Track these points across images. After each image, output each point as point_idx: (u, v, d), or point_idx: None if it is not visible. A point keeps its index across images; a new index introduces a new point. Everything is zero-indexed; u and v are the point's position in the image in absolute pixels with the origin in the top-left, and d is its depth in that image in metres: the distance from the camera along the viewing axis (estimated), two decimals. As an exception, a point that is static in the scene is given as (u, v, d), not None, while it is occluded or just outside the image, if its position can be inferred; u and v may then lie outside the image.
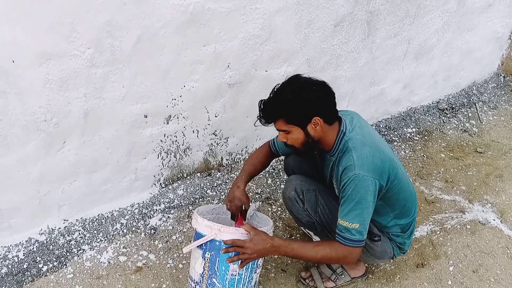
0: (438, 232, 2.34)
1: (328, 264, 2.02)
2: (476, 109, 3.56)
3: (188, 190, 2.51)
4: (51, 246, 2.11)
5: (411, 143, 3.13)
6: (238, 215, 1.88)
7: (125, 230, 2.25)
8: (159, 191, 2.49)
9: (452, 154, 3.03)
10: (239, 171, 2.70)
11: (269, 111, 1.61)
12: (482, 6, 3.39)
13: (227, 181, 2.61)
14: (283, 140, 1.69)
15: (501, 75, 4.01)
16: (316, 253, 1.60)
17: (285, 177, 2.69)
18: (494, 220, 2.44)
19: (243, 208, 1.88)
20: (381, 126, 3.24)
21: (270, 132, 2.79)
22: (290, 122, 1.60)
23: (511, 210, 2.51)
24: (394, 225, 1.81)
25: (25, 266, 2.02)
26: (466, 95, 3.69)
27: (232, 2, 2.11)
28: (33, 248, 2.09)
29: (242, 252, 1.58)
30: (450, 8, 3.16)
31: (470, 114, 3.50)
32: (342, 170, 1.60)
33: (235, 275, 1.64)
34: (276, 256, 2.15)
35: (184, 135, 2.42)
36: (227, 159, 2.72)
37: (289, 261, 2.13)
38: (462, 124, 3.38)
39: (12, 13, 1.61)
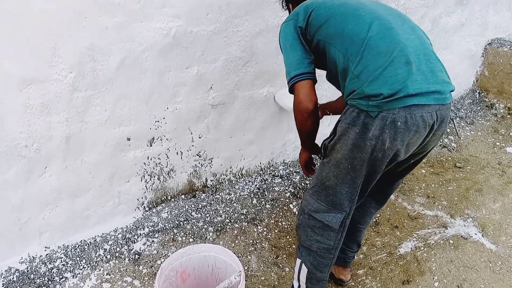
0: (422, 248, 2.37)
1: None
2: (454, 125, 3.65)
3: (173, 212, 2.48)
4: (32, 275, 2.05)
5: (392, 159, 3.17)
6: None
7: (108, 256, 2.20)
8: (143, 215, 2.46)
9: (432, 170, 3.09)
10: (226, 190, 2.70)
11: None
12: (455, 26, 3.52)
13: (212, 202, 2.60)
14: None
15: (476, 91, 4.13)
16: (297, 127, 1.68)
17: (269, 196, 2.69)
18: (475, 234, 2.48)
19: None
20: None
21: (253, 152, 2.80)
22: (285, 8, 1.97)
23: (491, 224, 2.56)
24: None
25: (4, 297, 1.95)
26: (443, 111, 3.79)
27: (214, 25, 2.14)
28: (13, 278, 2.03)
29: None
30: (425, 28, 3.26)
31: (448, 130, 3.59)
32: None
33: None
34: (263, 278, 2.14)
35: (167, 157, 2.40)
36: (211, 180, 2.71)
37: (276, 283, 2.12)
38: (441, 140, 3.45)
39: (-8, 39, 1.60)
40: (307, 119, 1.58)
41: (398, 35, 1.41)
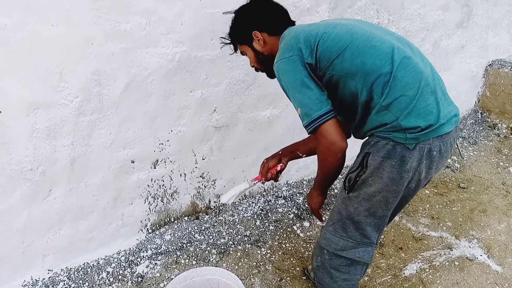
0: (427, 270, 2.35)
1: None
2: (457, 145, 3.63)
3: (176, 235, 2.48)
4: (34, 299, 2.04)
5: (396, 180, 3.17)
6: (262, 171, 1.93)
7: (111, 279, 2.19)
8: (146, 237, 2.46)
9: (436, 190, 3.08)
10: (229, 212, 2.70)
11: (229, 39, 1.75)
12: (455, 48, 3.56)
13: (215, 224, 2.59)
14: (251, 65, 1.76)
15: (478, 112, 4.15)
16: (320, 167, 1.55)
17: (273, 218, 2.69)
18: (481, 255, 2.46)
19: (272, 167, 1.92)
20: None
21: (256, 173, 2.80)
22: (241, 43, 1.71)
23: (497, 245, 2.54)
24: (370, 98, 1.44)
25: (6, 321, 1.94)
26: (446, 132, 3.80)
27: (218, 50, 2.18)
28: (15, 301, 2.02)
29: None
30: (426, 50, 3.31)
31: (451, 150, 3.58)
32: None
33: None
34: (266, 301, 2.12)
35: (171, 179, 2.42)
36: (214, 202, 2.72)
37: (280, 306, 2.10)
38: (444, 160, 3.45)
39: (0, 64, 1.64)
40: (340, 159, 1.48)
41: (417, 64, 1.44)
